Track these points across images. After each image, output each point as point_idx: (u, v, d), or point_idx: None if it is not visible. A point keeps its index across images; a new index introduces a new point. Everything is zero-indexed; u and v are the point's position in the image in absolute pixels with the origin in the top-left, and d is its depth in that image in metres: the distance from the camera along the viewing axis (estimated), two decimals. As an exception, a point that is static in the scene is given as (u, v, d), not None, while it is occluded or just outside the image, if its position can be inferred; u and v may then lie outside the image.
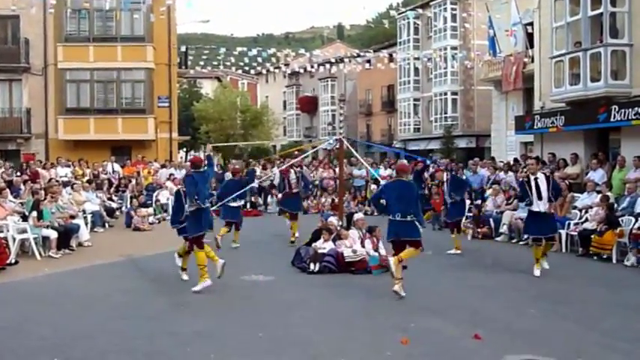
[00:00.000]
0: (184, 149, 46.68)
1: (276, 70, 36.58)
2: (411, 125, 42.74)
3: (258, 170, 21.05)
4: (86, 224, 14.98)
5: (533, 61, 21.77)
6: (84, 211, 15.72)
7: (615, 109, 16.08)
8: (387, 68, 30.51)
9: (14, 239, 11.96)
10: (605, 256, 12.03)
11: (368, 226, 11.72)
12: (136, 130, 27.20)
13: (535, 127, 19.81)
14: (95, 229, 16.15)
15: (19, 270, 11.17)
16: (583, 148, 18.02)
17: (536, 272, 10.43)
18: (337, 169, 16.51)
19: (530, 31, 22.49)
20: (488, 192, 16.97)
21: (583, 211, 13.75)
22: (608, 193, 13.64)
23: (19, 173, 18.80)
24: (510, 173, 17.69)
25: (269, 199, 21.83)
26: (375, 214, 19.84)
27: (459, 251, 12.83)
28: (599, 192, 13.85)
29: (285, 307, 8.41)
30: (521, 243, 14.26)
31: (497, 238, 15.03)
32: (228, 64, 32.25)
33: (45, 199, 13.60)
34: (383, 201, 9.07)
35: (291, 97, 60.47)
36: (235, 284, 9.69)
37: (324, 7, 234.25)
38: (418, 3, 42.47)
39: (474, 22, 33.36)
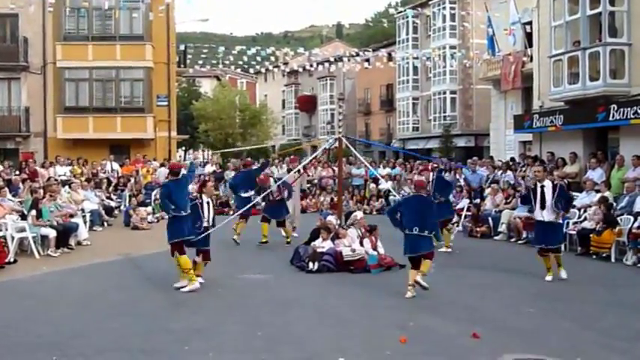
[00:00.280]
0: (183, 148, 46.68)
1: (275, 69, 36.42)
2: (409, 124, 42.73)
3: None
4: (85, 223, 14.99)
5: (532, 60, 21.77)
6: (83, 210, 15.71)
7: (614, 108, 16.08)
8: (385, 67, 30.44)
9: (13, 238, 11.95)
10: (604, 255, 12.04)
11: (367, 225, 11.73)
12: (134, 128, 27.17)
13: (534, 126, 19.81)
14: (94, 228, 16.16)
15: (17, 268, 11.18)
16: (582, 147, 18.03)
17: (548, 277, 10.07)
18: (336, 168, 16.52)
19: (529, 30, 22.49)
20: (487, 191, 16.98)
21: (582, 210, 13.76)
22: (607, 193, 13.65)
23: (17, 172, 18.77)
24: (509, 172, 17.71)
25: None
26: (374, 213, 19.96)
27: (449, 249, 12.77)
28: (597, 191, 13.86)
29: (284, 305, 8.41)
30: (519, 242, 14.28)
31: (496, 237, 15.04)
32: (227, 62, 32.32)
33: (44, 197, 13.59)
34: (398, 215, 9.14)
35: (290, 96, 60.44)
36: (234, 283, 9.70)
37: (323, 6, 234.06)
38: (417, 2, 42.42)
39: (472, 21, 33.37)
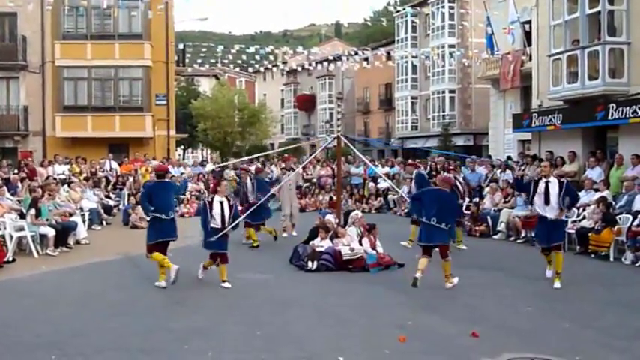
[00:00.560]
0: (182, 147, 46.66)
1: (274, 68, 36.46)
2: (408, 123, 42.76)
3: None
4: (84, 222, 14.99)
5: (531, 59, 21.77)
6: (81, 209, 15.71)
7: (613, 107, 16.08)
8: (384, 66, 30.37)
9: (12, 237, 11.95)
10: (602, 254, 12.04)
11: (366, 224, 11.74)
12: (133, 127, 27.14)
13: (533, 125, 19.81)
14: (93, 227, 16.15)
15: (16, 267, 11.16)
16: (581, 146, 18.04)
17: (548, 273, 9.99)
18: (335, 167, 16.52)
19: (528, 29, 22.49)
20: (486, 190, 16.98)
21: (581, 209, 13.75)
22: (606, 192, 13.66)
23: (16, 171, 18.76)
24: (508, 172, 17.71)
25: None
26: (373, 212, 19.97)
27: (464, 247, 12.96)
28: (596, 190, 13.87)
29: (283, 304, 8.42)
30: (518, 241, 14.28)
31: (495, 237, 15.04)
32: (226, 61, 32.17)
33: (43, 196, 13.57)
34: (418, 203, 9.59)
35: (289, 94, 60.45)
36: (233, 282, 9.68)
37: (322, 5, 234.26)
38: (416, 1, 42.44)
39: (471, 20, 33.40)
